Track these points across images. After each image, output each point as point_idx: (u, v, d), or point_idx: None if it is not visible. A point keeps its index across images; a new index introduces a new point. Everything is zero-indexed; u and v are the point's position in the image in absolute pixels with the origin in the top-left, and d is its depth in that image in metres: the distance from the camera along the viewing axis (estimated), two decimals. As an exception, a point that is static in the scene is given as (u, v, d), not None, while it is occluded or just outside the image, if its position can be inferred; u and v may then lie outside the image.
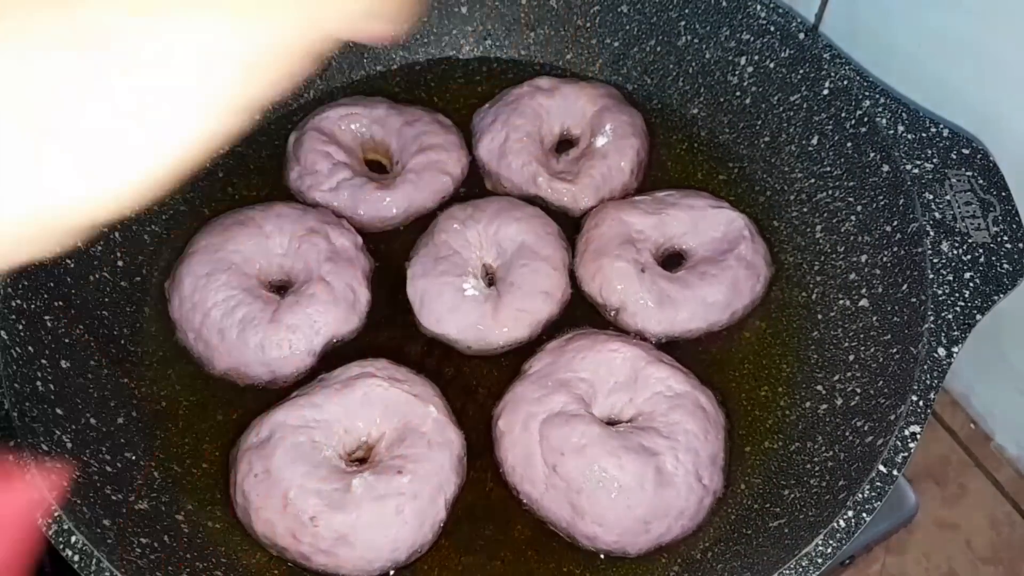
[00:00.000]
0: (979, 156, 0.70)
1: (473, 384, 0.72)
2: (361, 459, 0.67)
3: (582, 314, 0.76)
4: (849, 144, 0.75)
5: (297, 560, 0.62)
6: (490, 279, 0.76)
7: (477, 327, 0.73)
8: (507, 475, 0.67)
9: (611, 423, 0.68)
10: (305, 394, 0.66)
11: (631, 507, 0.63)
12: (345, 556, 0.61)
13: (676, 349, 0.72)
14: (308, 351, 0.71)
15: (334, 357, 0.72)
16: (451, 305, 0.73)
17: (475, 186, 0.84)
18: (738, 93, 0.84)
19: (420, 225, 0.79)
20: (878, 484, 0.57)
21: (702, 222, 0.77)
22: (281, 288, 0.74)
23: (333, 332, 0.72)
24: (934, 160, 0.70)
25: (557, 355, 0.70)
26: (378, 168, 0.84)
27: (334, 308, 0.71)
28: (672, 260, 0.78)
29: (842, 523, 0.56)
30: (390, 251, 0.79)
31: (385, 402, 0.66)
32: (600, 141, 0.82)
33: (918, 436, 0.59)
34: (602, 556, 0.65)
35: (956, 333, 0.62)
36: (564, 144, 0.86)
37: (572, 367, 0.69)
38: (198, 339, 0.71)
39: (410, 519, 0.62)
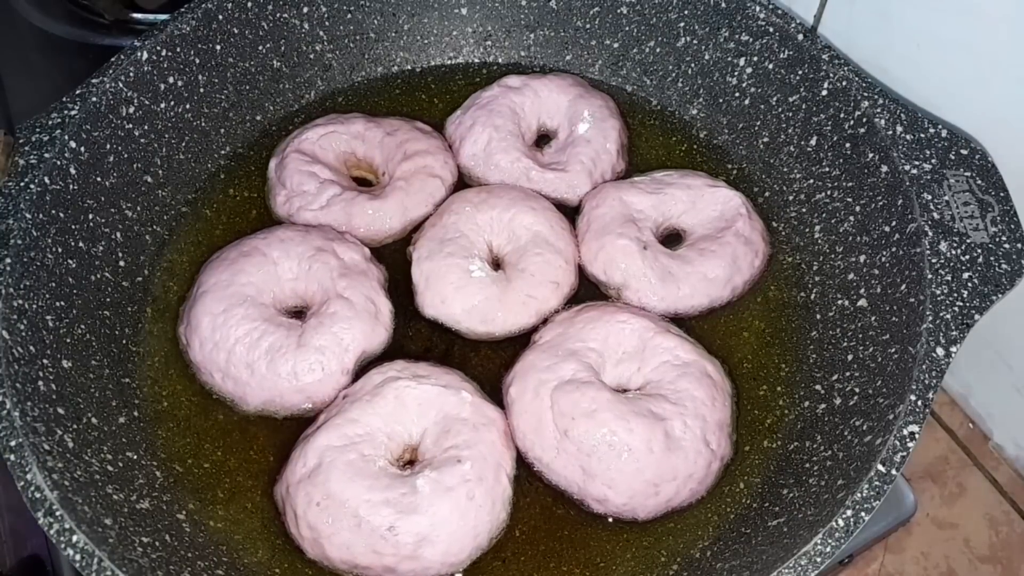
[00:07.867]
0: (977, 156, 0.70)
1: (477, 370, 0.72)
2: (409, 461, 0.66)
3: (584, 295, 0.77)
4: (848, 145, 0.76)
5: (382, 575, 0.62)
6: (495, 263, 0.77)
7: (483, 309, 0.73)
8: (518, 441, 0.68)
9: (620, 391, 0.68)
10: (338, 413, 0.66)
11: (640, 470, 0.64)
12: (430, 556, 0.62)
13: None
14: (341, 370, 0.70)
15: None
16: (457, 285, 0.73)
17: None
18: (737, 94, 0.85)
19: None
20: (877, 483, 0.57)
21: (700, 201, 0.79)
22: (299, 313, 0.73)
23: (362, 347, 0.71)
24: (932, 160, 0.70)
25: (567, 325, 0.71)
26: (366, 185, 0.83)
27: (358, 322, 0.70)
28: (671, 240, 0.79)
29: (841, 522, 0.56)
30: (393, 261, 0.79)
31: (418, 400, 0.66)
32: (582, 128, 0.83)
33: (916, 436, 0.59)
34: (612, 526, 0.65)
35: (954, 333, 0.63)
36: (541, 139, 0.87)
37: (582, 337, 0.69)
38: (226, 378, 0.69)
39: (483, 501, 0.63)
